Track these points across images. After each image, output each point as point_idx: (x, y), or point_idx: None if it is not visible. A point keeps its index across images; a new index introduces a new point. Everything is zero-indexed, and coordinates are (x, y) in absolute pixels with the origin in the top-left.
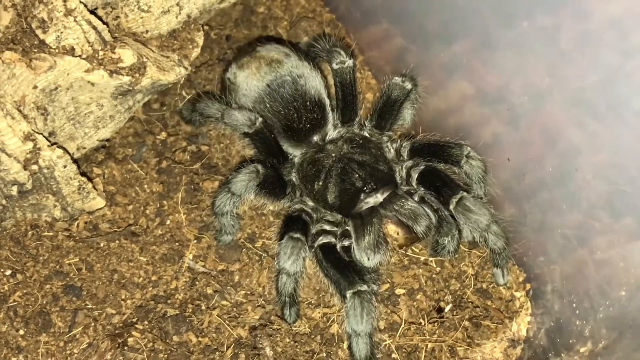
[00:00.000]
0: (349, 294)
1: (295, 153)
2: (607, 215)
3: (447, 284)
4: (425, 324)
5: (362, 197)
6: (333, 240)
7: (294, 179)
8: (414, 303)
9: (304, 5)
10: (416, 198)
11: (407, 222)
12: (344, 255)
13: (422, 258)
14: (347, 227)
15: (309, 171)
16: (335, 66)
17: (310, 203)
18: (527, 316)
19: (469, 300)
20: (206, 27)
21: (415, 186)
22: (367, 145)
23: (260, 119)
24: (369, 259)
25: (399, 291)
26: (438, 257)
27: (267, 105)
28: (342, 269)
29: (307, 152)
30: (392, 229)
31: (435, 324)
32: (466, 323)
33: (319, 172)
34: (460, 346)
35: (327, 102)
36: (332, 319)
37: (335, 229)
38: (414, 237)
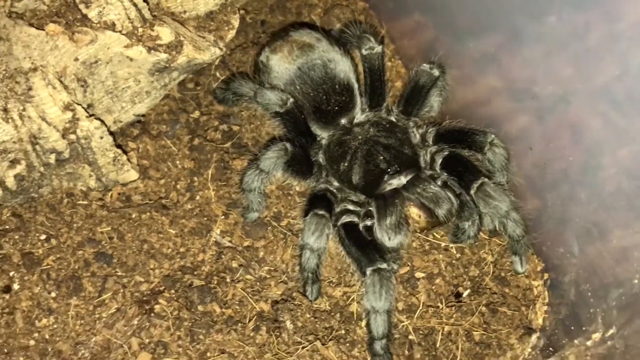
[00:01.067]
0: (369, 270)
1: (323, 135)
2: (625, 206)
3: (466, 270)
4: (443, 308)
5: (385, 179)
6: (356, 219)
7: (320, 160)
8: (433, 287)
9: None
10: (439, 182)
11: (429, 205)
12: (366, 234)
13: (443, 244)
14: (370, 208)
15: (335, 152)
16: (364, 52)
17: (336, 183)
18: (544, 305)
19: (487, 286)
20: (242, 12)
21: (438, 171)
22: (393, 130)
23: (291, 99)
24: (389, 239)
25: (418, 275)
26: (459, 244)
27: (298, 87)
28: (363, 247)
29: (334, 134)
30: (414, 212)
31: (453, 308)
32: (483, 309)
33: (345, 153)
34: (477, 331)
35: (356, 86)
36: (352, 297)
37: (358, 209)
38: (435, 221)
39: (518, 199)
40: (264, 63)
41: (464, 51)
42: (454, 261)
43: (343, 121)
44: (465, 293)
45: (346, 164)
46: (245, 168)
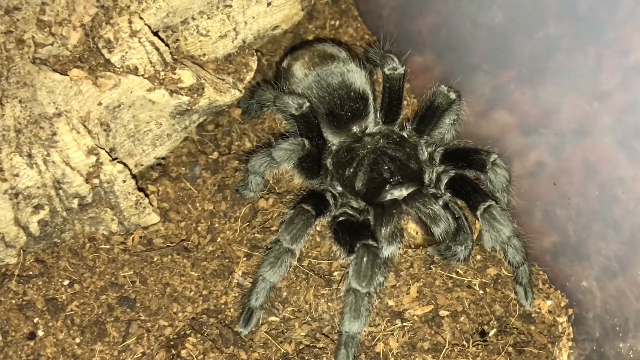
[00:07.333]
0: (359, 244)
1: (334, 141)
2: None
3: (491, 308)
4: (469, 347)
5: (387, 188)
6: (352, 218)
7: (328, 164)
8: (458, 325)
9: (352, 34)
10: (440, 202)
11: (427, 221)
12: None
13: (466, 280)
14: (368, 217)
15: (343, 158)
16: (387, 71)
17: (339, 188)
18: (569, 342)
19: (514, 326)
20: (258, 54)
21: (442, 191)
22: (403, 144)
23: (307, 104)
24: (383, 248)
25: (442, 313)
26: (445, 261)
27: (314, 92)
28: (354, 228)
29: (345, 141)
30: (412, 227)
31: (479, 346)
32: (510, 349)
33: (352, 159)
34: None
35: (371, 97)
36: (377, 337)
37: (357, 215)
38: (431, 239)
39: (539, 234)
40: (285, 69)
41: (476, 87)
42: (477, 299)
43: (355, 129)
44: (492, 332)
45: (351, 170)
46: (256, 151)
